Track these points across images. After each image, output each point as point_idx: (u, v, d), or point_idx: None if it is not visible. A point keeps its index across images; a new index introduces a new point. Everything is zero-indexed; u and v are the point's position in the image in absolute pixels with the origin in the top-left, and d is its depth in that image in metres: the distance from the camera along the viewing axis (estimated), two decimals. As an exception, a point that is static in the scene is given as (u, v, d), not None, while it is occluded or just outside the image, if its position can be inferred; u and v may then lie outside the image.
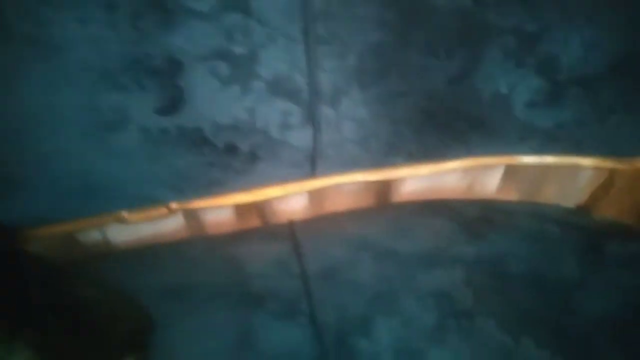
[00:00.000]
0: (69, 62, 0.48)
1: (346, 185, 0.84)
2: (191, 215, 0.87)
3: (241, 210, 0.88)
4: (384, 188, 0.91)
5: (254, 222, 0.92)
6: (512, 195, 0.95)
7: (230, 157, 0.63)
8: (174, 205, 0.74)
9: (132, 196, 0.67)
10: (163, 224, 0.86)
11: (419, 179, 0.87)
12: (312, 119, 0.60)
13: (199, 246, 0.85)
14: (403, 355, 0.70)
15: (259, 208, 0.89)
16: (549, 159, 0.81)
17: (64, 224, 0.70)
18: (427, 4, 0.52)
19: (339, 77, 0.56)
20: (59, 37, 0.46)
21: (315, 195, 0.88)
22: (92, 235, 0.79)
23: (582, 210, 0.97)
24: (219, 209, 0.83)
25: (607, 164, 0.80)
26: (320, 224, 0.86)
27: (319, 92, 0.57)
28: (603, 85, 0.63)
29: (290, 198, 0.85)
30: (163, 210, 0.75)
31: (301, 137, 0.62)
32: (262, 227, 0.89)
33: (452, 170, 0.84)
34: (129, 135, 0.56)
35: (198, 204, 0.76)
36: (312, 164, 0.69)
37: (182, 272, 0.78)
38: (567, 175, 0.89)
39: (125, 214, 0.72)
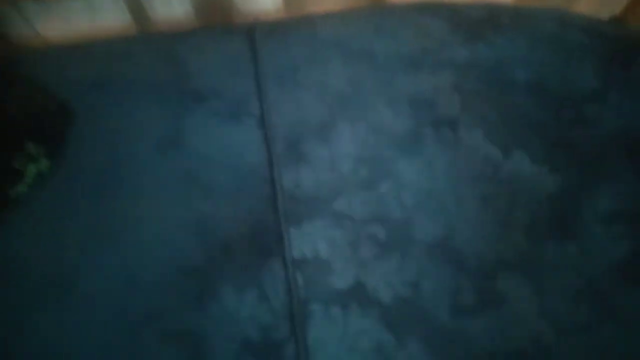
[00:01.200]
0: None
1: None
2: (137, 5, 0.73)
3: (200, 4, 0.74)
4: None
5: (213, 18, 0.78)
6: (535, 2, 0.77)
7: None
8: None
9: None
10: (104, 12, 0.73)
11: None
12: None
13: (139, 41, 0.71)
14: (365, 163, 0.57)
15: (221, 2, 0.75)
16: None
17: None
18: None
19: None
20: None
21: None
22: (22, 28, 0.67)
23: (617, 21, 0.78)
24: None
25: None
26: (287, 24, 0.71)
27: None
28: None
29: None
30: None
31: None
32: (219, 25, 0.74)
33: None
34: None
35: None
36: None
37: (115, 67, 0.65)
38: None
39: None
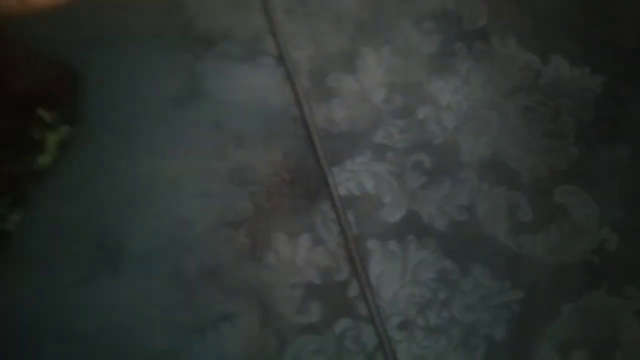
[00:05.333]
0: None
1: None
2: None
3: None
4: None
5: None
6: None
7: None
8: None
9: None
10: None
11: None
12: None
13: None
14: (398, 90, 0.53)
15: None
16: None
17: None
18: None
19: None
20: None
21: None
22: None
23: None
24: None
25: None
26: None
27: None
28: None
29: None
30: None
31: None
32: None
33: None
34: None
35: None
36: None
37: (113, 22, 0.61)
38: None
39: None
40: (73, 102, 0.53)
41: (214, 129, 0.52)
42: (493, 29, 0.56)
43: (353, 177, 0.49)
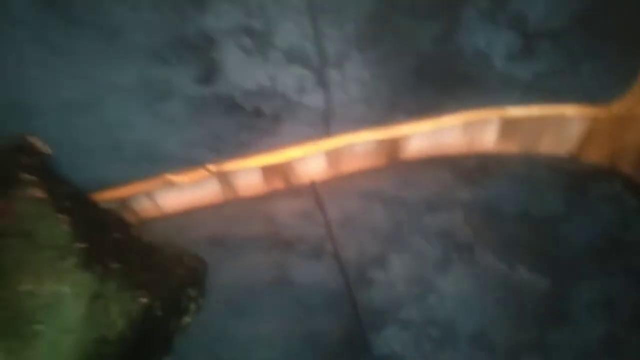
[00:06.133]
0: (125, 43, 0.61)
1: (358, 146, 0.96)
2: (225, 180, 1.00)
3: (267, 172, 1.01)
4: (393, 147, 1.02)
5: (279, 184, 1.04)
6: (511, 148, 1.06)
7: (257, 119, 0.75)
8: (211, 167, 0.87)
9: (178, 159, 0.80)
10: (201, 188, 0.99)
11: (423, 136, 0.99)
12: (322, 81, 0.72)
13: (235, 205, 0.98)
14: (414, 283, 0.82)
15: (282, 170, 1.02)
16: (536, 110, 0.92)
17: (119, 189, 0.83)
18: (410, -26, 0.63)
19: (340, 43, 0.68)
20: (117, 22, 0.59)
21: (332, 157, 1.00)
22: (142, 201, 0.92)
23: (573, 157, 1.07)
24: (248, 172, 0.96)
25: (588, 111, 0.90)
26: (337, 182, 0.98)
27: (326, 58, 0.69)
28: (570, 37, 0.73)
29: (310, 159, 0.98)
30: (203, 172, 0.87)
31: (315, 99, 0.74)
32: (288, 187, 1.02)
33: (450, 126, 0.95)
34: (175, 104, 0.69)
35: (231, 165, 0.89)
36: (326, 123, 0.81)
37: (222, 226, 0.91)
38: (557, 126, 0.99)
39: (171, 176, 0.86)
40: (203, 282, 0.79)
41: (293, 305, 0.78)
42: (476, 244, 0.85)
43: (387, 342, 0.74)
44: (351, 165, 1.08)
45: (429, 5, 0.67)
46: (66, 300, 0.61)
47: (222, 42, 0.64)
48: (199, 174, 0.88)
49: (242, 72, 0.68)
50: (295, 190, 0.98)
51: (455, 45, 0.72)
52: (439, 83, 0.77)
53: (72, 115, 0.66)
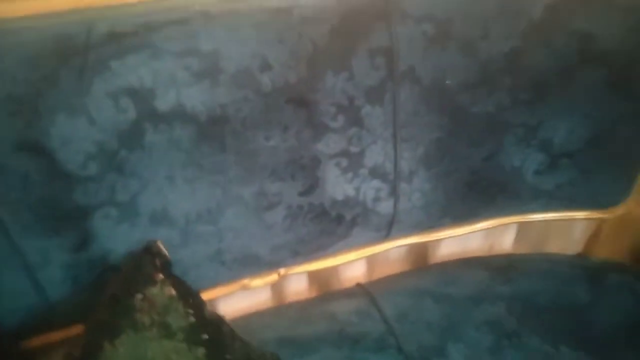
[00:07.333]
0: (255, 163, 0.75)
1: (393, 250, 1.09)
2: (276, 287, 1.10)
3: (313, 276, 1.12)
4: (423, 251, 1.17)
5: (322, 288, 1.14)
6: (524, 250, 1.22)
7: (337, 225, 0.89)
8: (282, 271, 0.98)
9: (262, 263, 0.91)
10: (257, 293, 1.08)
11: (453, 240, 1.14)
12: (394, 193, 0.87)
13: (294, 308, 1.07)
14: (471, 369, 0.92)
15: (328, 274, 1.13)
16: (551, 215, 1.09)
17: (207, 291, 0.93)
18: (467, 111, 0.83)
19: (412, 163, 0.85)
20: (253, 148, 0.74)
21: (371, 261, 1.13)
22: (218, 305, 1.01)
23: (582, 255, 1.24)
24: (299, 276, 1.07)
25: (596, 214, 1.08)
26: (382, 283, 1.10)
27: (400, 174, 0.85)
28: (584, 156, 0.93)
29: (354, 263, 1.10)
30: (275, 275, 0.98)
31: (386, 207, 0.89)
32: (338, 290, 1.12)
33: (479, 230, 1.11)
34: (278, 212, 0.82)
35: (296, 269, 1.00)
36: (388, 228, 0.95)
37: (287, 327, 1.00)
38: (566, 228, 1.17)
39: (248, 281, 0.96)
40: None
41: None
42: (521, 331, 0.97)
43: None
44: (384, 269, 1.21)
45: (480, 135, 0.85)
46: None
47: (326, 162, 0.80)
48: (271, 277, 0.99)
49: (336, 185, 0.83)
50: (345, 292, 1.09)
51: (498, 163, 0.90)
52: (483, 193, 0.94)
53: (195, 223, 0.78)
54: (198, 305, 0.76)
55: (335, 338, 0.97)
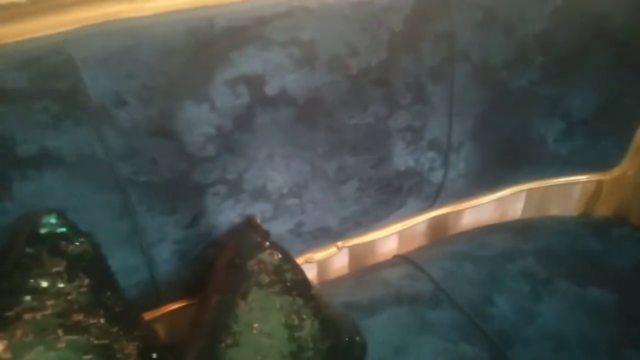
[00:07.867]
0: (339, 140, 0.85)
1: (419, 225, 1.21)
2: (321, 264, 1.18)
3: (353, 252, 1.21)
4: (443, 224, 1.29)
5: (359, 264, 1.24)
6: (530, 215, 1.38)
7: (396, 195, 1.00)
8: (340, 244, 1.08)
9: (330, 235, 1.01)
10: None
11: (473, 210, 1.27)
12: (445, 162, 0.99)
13: (347, 279, 1.17)
14: (520, 313, 1.04)
15: (366, 249, 1.23)
16: (557, 180, 1.24)
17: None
18: (506, 86, 0.96)
19: (461, 135, 0.97)
20: (338, 125, 0.84)
21: (402, 236, 1.24)
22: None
23: (584, 215, 1.41)
24: (341, 253, 1.16)
25: (597, 176, 1.25)
26: (418, 252, 1.22)
27: (452, 145, 0.98)
28: (594, 123, 1.08)
29: (388, 238, 1.21)
30: (334, 248, 1.08)
31: (437, 176, 1.01)
32: (380, 262, 1.23)
33: (494, 200, 1.24)
34: (351, 185, 0.92)
35: (352, 241, 1.10)
36: (435, 197, 1.07)
37: (347, 294, 1.09)
38: (567, 192, 1.34)
39: (311, 254, 1.05)
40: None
41: None
42: (552, 277, 1.11)
43: None
44: (412, 242, 1.33)
45: (515, 107, 0.99)
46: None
47: (395, 136, 0.91)
48: (330, 251, 1.08)
49: (400, 157, 0.94)
50: (388, 263, 1.20)
51: (527, 133, 1.04)
52: (512, 161, 1.08)
53: (286, 197, 0.87)
54: (298, 267, 0.85)
55: (393, 300, 1.07)
